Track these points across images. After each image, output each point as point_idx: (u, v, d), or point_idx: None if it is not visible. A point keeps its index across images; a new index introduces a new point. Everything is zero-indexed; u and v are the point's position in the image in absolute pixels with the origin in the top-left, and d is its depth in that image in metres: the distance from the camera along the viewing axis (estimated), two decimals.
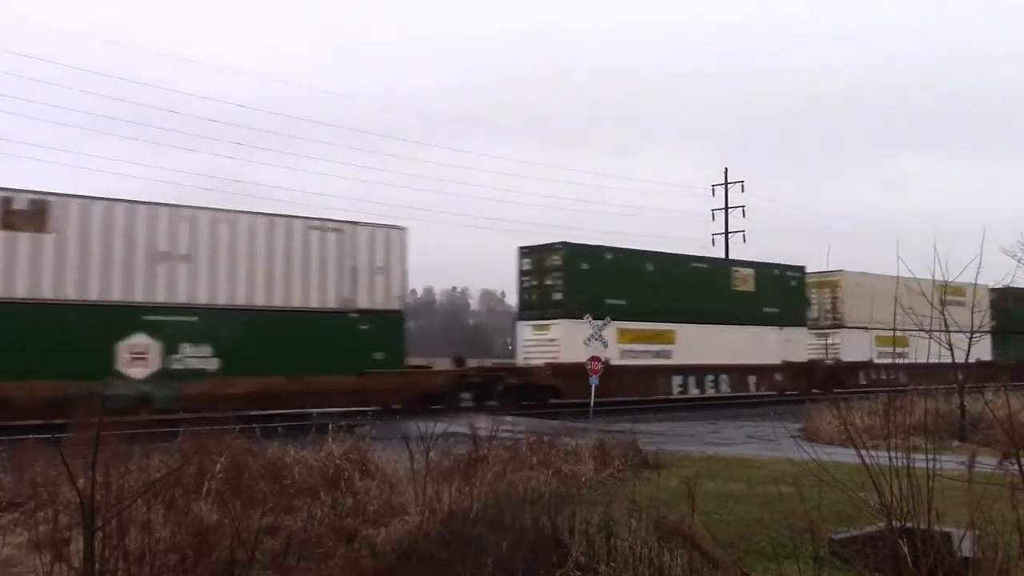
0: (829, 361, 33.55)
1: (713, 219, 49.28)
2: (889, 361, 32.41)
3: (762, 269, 32.03)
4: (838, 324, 34.15)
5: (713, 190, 49.56)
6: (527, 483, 8.69)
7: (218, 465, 8.67)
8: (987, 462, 5.03)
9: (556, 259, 26.73)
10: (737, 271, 31.51)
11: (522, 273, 27.73)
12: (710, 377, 29.48)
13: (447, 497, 7.67)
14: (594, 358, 22.80)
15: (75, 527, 5.93)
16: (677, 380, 28.49)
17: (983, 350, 34.22)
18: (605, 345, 25.90)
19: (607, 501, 7.13)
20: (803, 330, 32.71)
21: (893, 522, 4.80)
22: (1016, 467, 4.47)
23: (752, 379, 30.80)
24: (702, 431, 19.47)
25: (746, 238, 48.41)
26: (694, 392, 29.04)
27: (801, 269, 32.97)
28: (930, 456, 4.80)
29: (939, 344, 9.70)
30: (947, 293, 7.44)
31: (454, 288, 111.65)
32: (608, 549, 5.89)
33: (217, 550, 5.58)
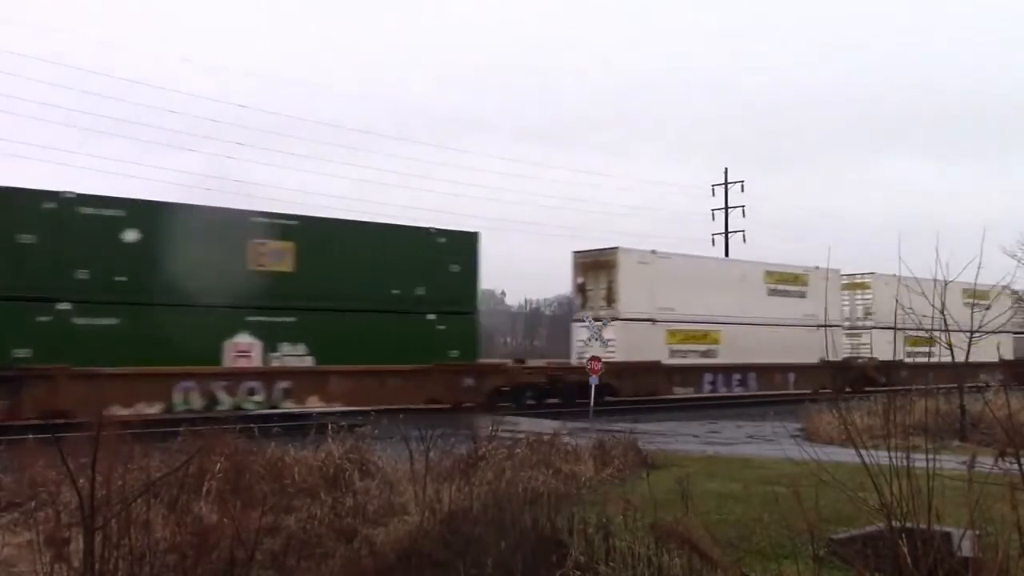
0: None
1: (713, 219, 49.31)
2: None
3: None
4: None
5: (713, 190, 49.59)
6: (527, 483, 8.68)
7: (218, 465, 8.67)
8: (987, 462, 5.02)
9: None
10: None
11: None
12: None
13: (447, 497, 7.66)
14: (594, 358, 22.80)
15: (75, 527, 5.92)
16: None
17: None
18: (604, 345, 25.90)
19: (606, 501, 7.13)
20: None
21: (893, 522, 4.81)
22: (1016, 467, 4.47)
23: None
24: (702, 431, 19.48)
25: (746, 238, 48.44)
26: None
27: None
28: (930, 456, 4.80)
29: None
30: None
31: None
32: (607, 549, 5.89)
33: (217, 550, 5.58)
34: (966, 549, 4.87)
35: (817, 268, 32.37)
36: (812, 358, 31.04)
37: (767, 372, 30.88)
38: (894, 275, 37.42)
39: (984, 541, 4.80)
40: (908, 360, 32.86)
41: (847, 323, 35.68)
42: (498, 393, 24.05)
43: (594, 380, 22.13)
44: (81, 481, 5.01)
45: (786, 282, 32.35)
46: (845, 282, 35.53)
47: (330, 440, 10.58)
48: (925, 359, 32.65)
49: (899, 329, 33.46)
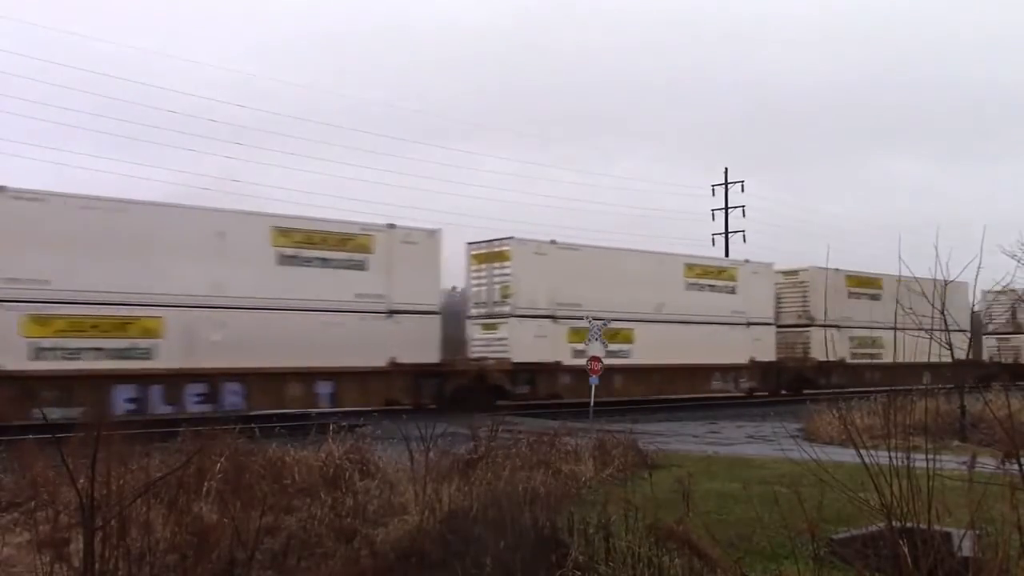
0: None
1: (713, 219, 49.23)
2: None
3: None
4: None
5: (713, 190, 49.56)
6: (527, 483, 8.69)
7: (218, 465, 8.68)
8: (987, 462, 5.03)
9: None
10: None
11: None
12: None
13: (447, 497, 7.67)
14: (594, 358, 22.79)
15: (75, 527, 5.93)
16: None
17: None
18: (605, 345, 25.78)
19: (606, 501, 7.13)
20: None
21: (893, 522, 4.81)
22: (1016, 467, 4.47)
23: None
24: (702, 431, 19.48)
25: (746, 238, 48.31)
26: None
27: None
28: (930, 456, 4.80)
29: None
30: None
31: (453, 288, 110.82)
32: (607, 549, 5.89)
33: (217, 550, 5.59)
34: (966, 549, 4.87)
35: (393, 227, 22.60)
36: (378, 360, 21.41)
37: (268, 381, 19.99)
38: (551, 241, 25.64)
39: (984, 541, 4.80)
40: (575, 362, 23.29)
41: (483, 309, 25.42)
42: None
43: (594, 380, 22.15)
44: (81, 481, 5.01)
45: (322, 246, 21.31)
46: (482, 251, 25.54)
47: (330, 440, 10.58)
48: (616, 359, 23.25)
49: (558, 318, 24.41)
